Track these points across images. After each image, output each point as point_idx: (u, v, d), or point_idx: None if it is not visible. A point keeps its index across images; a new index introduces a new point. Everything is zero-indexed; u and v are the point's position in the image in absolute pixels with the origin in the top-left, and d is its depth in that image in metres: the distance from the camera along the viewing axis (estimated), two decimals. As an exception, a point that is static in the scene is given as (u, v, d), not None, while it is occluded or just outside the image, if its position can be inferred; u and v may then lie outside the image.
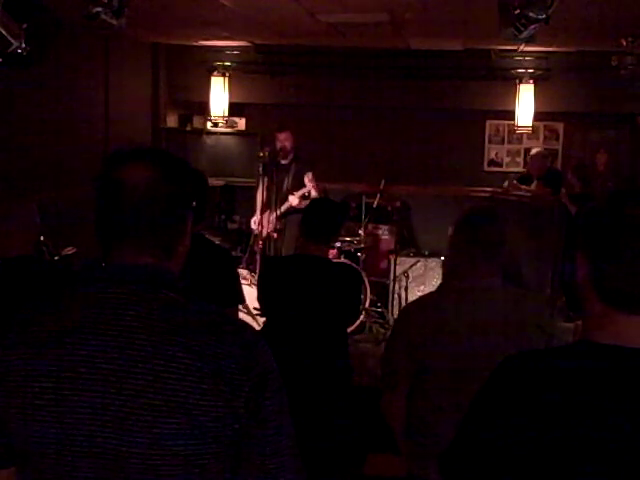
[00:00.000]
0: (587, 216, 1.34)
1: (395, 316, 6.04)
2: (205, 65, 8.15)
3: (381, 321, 6.71)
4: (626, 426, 1.23)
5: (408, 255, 7.00)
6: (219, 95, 8.20)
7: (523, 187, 7.34)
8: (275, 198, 6.52)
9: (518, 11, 3.57)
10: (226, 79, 8.18)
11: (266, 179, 6.67)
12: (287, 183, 6.69)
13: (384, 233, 7.53)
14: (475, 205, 2.80)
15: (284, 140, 6.66)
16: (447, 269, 2.75)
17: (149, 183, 1.33)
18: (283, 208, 6.63)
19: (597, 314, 1.30)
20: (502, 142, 8.48)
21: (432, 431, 2.53)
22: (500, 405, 1.34)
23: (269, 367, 1.34)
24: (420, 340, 2.53)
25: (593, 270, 1.29)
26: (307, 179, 6.62)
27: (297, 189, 6.65)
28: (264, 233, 6.63)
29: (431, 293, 2.88)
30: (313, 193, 6.62)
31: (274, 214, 6.57)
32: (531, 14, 3.50)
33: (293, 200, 6.56)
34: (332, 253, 6.24)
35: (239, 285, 3.33)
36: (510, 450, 1.30)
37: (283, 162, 6.71)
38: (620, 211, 1.27)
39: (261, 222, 6.63)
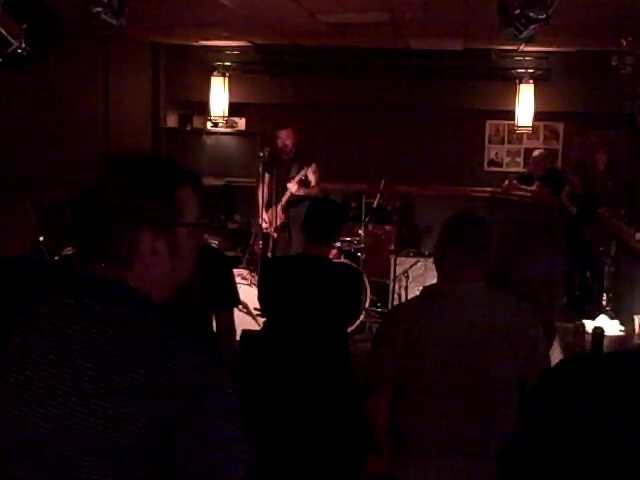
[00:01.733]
0: None
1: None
2: (205, 65, 8.15)
3: (381, 321, 6.70)
4: None
5: (408, 255, 7.00)
6: (219, 95, 8.20)
7: (523, 187, 7.35)
8: (276, 195, 6.52)
9: (518, 11, 3.57)
10: (226, 79, 8.18)
11: (267, 176, 6.67)
12: (290, 178, 6.65)
13: (384, 233, 7.53)
14: (464, 209, 2.82)
15: (285, 138, 6.63)
16: (436, 271, 2.76)
17: (104, 192, 1.32)
18: (284, 199, 6.62)
19: None
20: (502, 142, 8.48)
21: (417, 434, 2.55)
22: (556, 406, 1.34)
23: (207, 394, 1.23)
24: (404, 345, 2.54)
25: None
26: (311, 170, 6.57)
27: (300, 183, 6.62)
28: (272, 229, 6.59)
29: (415, 298, 2.89)
30: (312, 182, 6.58)
31: (278, 206, 6.57)
32: (531, 14, 3.49)
33: (292, 187, 6.53)
34: (332, 253, 6.24)
35: (235, 288, 3.32)
36: (566, 453, 1.30)
37: (285, 158, 6.68)
38: None
39: (269, 219, 6.59)
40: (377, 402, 2.64)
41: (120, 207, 1.29)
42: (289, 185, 6.54)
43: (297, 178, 6.52)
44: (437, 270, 2.71)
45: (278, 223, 6.57)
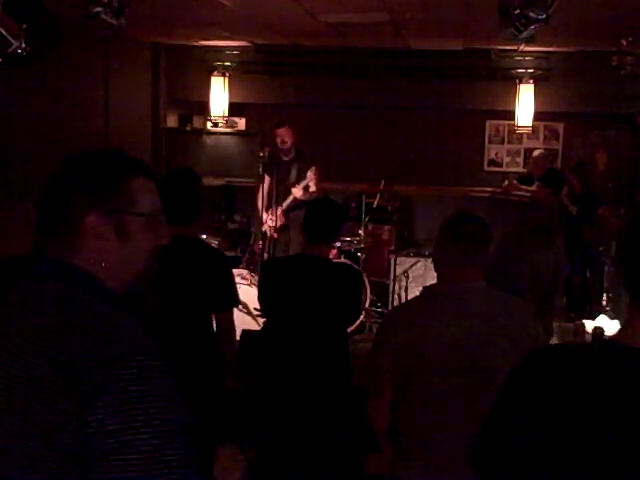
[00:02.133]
0: (627, 225, 1.39)
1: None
2: (205, 65, 8.16)
3: (381, 321, 6.70)
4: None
5: (408, 255, 7.00)
6: (219, 95, 8.20)
7: (523, 187, 7.35)
8: (276, 195, 6.51)
9: (518, 11, 3.58)
10: (226, 79, 8.18)
11: (267, 178, 6.67)
12: (291, 180, 6.65)
13: (384, 233, 7.53)
14: (463, 209, 2.83)
15: (284, 135, 6.61)
16: (436, 272, 2.76)
17: (59, 179, 1.41)
18: (287, 202, 6.61)
19: (627, 313, 1.32)
20: (502, 142, 8.48)
21: (418, 434, 2.55)
22: (522, 397, 1.35)
23: (123, 379, 1.18)
24: (404, 346, 2.53)
25: (622, 272, 1.33)
26: (311, 173, 6.57)
27: (303, 188, 6.62)
28: (272, 230, 6.59)
29: (415, 298, 2.88)
30: (312, 187, 6.58)
31: (279, 209, 6.56)
32: (531, 14, 3.50)
33: (297, 192, 6.53)
34: (332, 253, 6.24)
35: (234, 288, 3.31)
36: (530, 443, 1.31)
37: (285, 159, 6.68)
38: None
39: (273, 218, 6.58)
40: (378, 403, 2.63)
41: (68, 191, 1.37)
42: (294, 190, 6.53)
43: (303, 184, 6.51)
44: (436, 271, 2.71)
45: (278, 225, 6.57)
